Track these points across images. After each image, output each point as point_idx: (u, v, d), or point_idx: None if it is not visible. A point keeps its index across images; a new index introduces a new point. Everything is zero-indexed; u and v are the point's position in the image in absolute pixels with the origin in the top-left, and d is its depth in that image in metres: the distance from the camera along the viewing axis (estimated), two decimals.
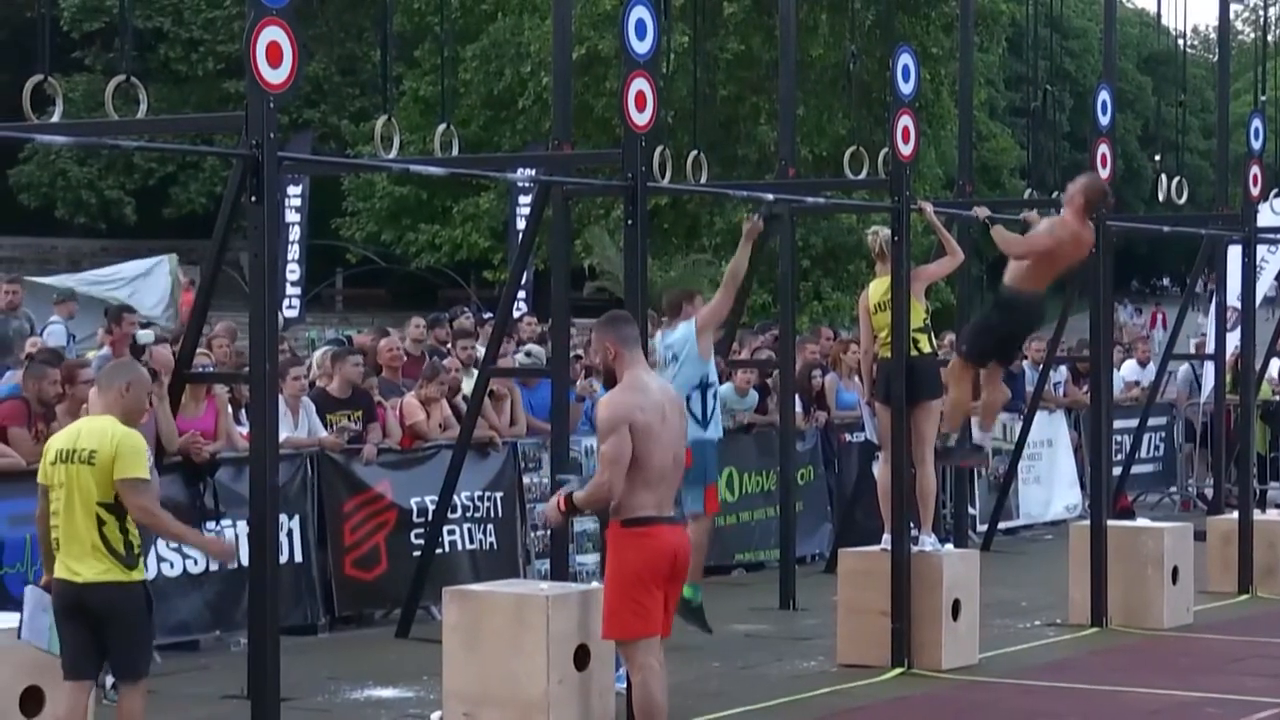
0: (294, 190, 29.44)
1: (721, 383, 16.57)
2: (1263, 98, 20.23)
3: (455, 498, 14.41)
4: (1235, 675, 12.70)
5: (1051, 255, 13.51)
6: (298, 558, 13.87)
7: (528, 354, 16.89)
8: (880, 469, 13.59)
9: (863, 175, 14.26)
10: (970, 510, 19.01)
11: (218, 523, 13.07)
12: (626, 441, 9.02)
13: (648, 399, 9.18)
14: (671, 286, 36.44)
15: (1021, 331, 14.23)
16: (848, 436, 18.54)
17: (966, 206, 15.21)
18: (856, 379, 17.03)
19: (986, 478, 19.90)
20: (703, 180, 13.33)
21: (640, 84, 11.34)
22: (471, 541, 15.05)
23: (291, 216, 29.78)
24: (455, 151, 12.82)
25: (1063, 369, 21.53)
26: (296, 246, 30.07)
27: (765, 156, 35.78)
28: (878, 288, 13.48)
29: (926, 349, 13.39)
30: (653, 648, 9.24)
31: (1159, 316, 53.02)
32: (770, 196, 14.89)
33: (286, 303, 29.34)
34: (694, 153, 13.03)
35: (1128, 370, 23.26)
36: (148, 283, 24.05)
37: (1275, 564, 16.40)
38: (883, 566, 12.65)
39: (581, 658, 10.45)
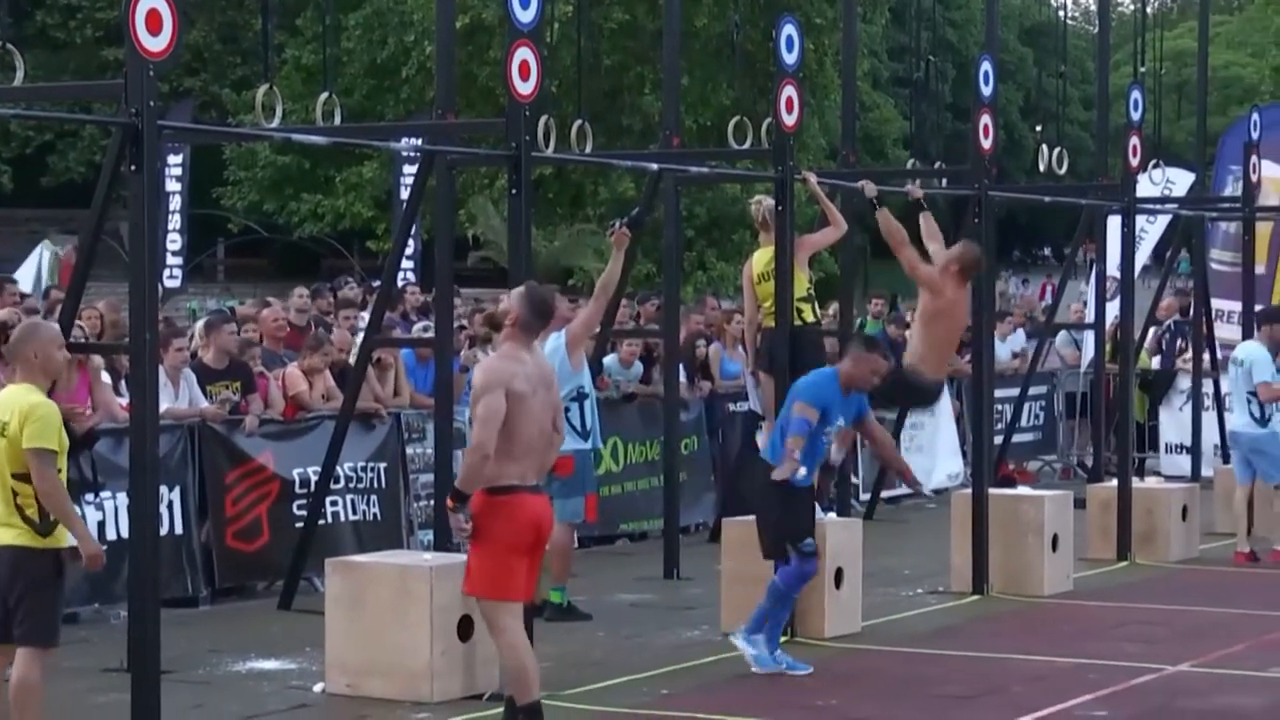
0: (174, 159, 29.17)
1: (607, 353, 16.65)
2: (1142, 69, 20.43)
3: (338, 469, 14.33)
4: (1115, 641, 12.83)
5: (941, 315, 13.37)
6: (178, 529, 13.74)
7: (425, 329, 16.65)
8: (764, 439, 13.62)
9: (746, 145, 14.24)
10: (853, 479, 19.08)
11: (96, 495, 12.96)
12: (501, 402, 9.04)
13: (523, 370, 9.24)
14: (553, 260, 36.62)
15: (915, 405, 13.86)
16: (731, 406, 18.56)
17: (850, 177, 15.25)
18: (741, 349, 17.05)
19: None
20: (587, 150, 13.31)
21: (524, 53, 11.30)
22: (355, 512, 14.96)
23: (172, 185, 29.52)
24: (338, 120, 12.71)
25: None
26: (177, 216, 29.82)
27: (650, 126, 35.81)
28: (761, 257, 13.49)
29: (810, 318, 13.40)
30: (515, 611, 9.28)
31: (1049, 287, 53.24)
32: (654, 166, 14.88)
33: (167, 273, 29.10)
34: (578, 122, 13.01)
35: (1015, 341, 23.40)
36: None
37: (1153, 531, 16.58)
38: None
39: (465, 628, 10.44)
